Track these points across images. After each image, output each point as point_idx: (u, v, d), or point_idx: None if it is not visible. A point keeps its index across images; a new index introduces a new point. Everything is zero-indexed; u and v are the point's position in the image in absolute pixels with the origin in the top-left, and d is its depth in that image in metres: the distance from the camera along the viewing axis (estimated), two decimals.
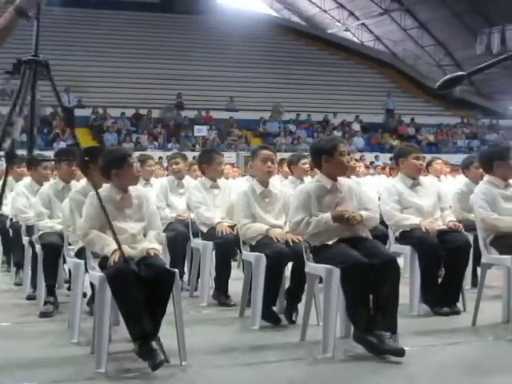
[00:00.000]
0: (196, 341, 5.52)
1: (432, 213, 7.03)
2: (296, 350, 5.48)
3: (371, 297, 5.33)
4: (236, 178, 15.19)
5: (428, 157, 10.62)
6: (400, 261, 6.26)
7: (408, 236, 6.89)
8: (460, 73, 2.56)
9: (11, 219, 9.04)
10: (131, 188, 5.59)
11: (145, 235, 5.57)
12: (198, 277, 7.82)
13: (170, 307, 5.13)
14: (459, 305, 6.79)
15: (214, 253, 7.57)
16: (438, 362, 5.18)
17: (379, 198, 7.73)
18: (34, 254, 7.52)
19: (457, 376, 4.88)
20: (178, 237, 8.08)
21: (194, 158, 13.91)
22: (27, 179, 8.69)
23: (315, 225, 5.58)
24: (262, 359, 5.24)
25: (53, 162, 8.13)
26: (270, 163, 6.84)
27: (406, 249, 6.93)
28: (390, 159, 12.28)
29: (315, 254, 5.66)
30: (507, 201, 6.40)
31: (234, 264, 8.22)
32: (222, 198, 7.85)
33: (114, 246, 5.16)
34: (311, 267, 5.67)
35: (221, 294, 7.40)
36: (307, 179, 8.34)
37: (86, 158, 4.85)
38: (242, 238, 6.74)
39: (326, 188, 5.75)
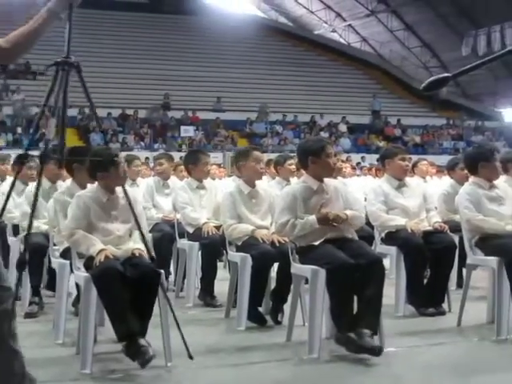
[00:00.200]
0: (181, 342, 5.50)
1: (418, 214, 7.05)
2: (282, 351, 5.49)
3: (355, 297, 5.34)
4: (222, 179, 15.18)
5: (414, 158, 10.64)
6: (386, 262, 6.29)
7: (394, 237, 6.91)
8: (445, 74, 2.56)
9: None
10: (118, 189, 5.58)
11: (130, 235, 5.56)
12: (184, 277, 7.81)
13: (155, 308, 5.12)
14: (444, 305, 6.81)
15: (199, 253, 7.56)
16: (423, 363, 5.19)
17: (365, 199, 7.74)
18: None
19: (442, 376, 4.89)
20: (164, 237, 8.07)
21: (180, 158, 13.90)
22: (10, 179, 8.65)
23: (301, 227, 5.59)
24: (247, 360, 5.24)
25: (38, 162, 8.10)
26: (261, 164, 6.90)
27: (392, 250, 6.94)
28: (377, 160, 12.26)
29: (301, 254, 5.66)
30: (492, 202, 6.41)
31: (220, 264, 8.20)
32: (208, 199, 7.84)
33: (100, 246, 5.16)
34: (297, 268, 5.67)
35: (207, 294, 7.40)
36: (293, 180, 8.35)
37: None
38: (228, 239, 6.74)
39: (312, 189, 5.76)
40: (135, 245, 5.42)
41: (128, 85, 32.10)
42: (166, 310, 5.13)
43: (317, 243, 5.57)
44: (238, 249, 6.61)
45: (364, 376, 4.93)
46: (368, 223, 7.39)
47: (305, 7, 46.06)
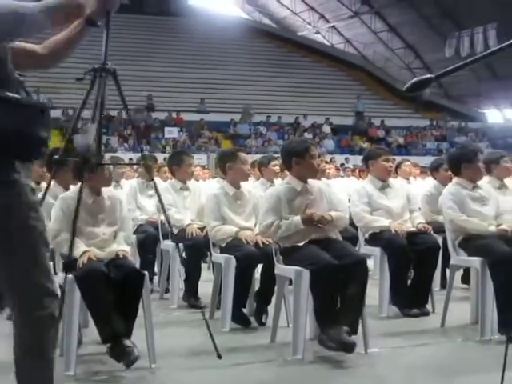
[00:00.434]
0: (166, 343, 5.50)
1: (401, 215, 7.06)
2: (266, 352, 5.49)
3: (339, 297, 5.34)
4: (206, 180, 15.17)
5: (398, 159, 10.67)
6: (370, 262, 6.30)
7: (377, 238, 6.92)
8: (428, 75, 2.56)
9: None
10: (104, 190, 5.56)
11: (115, 237, 5.55)
12: (168, 279, 7.80)
13: (139, 309, 5.11)
14: (428, 306, 6.83)
15: (183, 254, 7.55)
16: (406, 364, 5.20)
17: (349, 200, 7.75)
18: None
19: (425, 377, 4.90)
20: (148, 239, 8.06)
21: (164, 159, 13.87)
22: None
23: (285, 228, 5.59)
24: (232, 361, 5.22)
25: None
26: (248, 165, 6.90)
27: (376, 250, 6.96)
28: (361, 161, 12.26)
29: (285, 255, 5.66)
30: (475, 202, 6.44)
31: (204, 266, 8.20)
32: (192, 200, 7.83)
33: (83, 247, 5.14)
34: (281, 269, 5.67)
35: (191, 295, 7.39)
36: (277, 181, 8.35)
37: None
38: (212, 240, 6.73)
39: (296, 190, 5.76)
40: (119, 246, 5.41)
41: (111, 86, 32.00)
42: (149, 312, 5.12)
43: (301, 244, 5.57)
44: (222, 250, 6.60)
45: (348, 377, 4.94)
46: (352, 224, 7.41)
47: (288, 8, 46.16)
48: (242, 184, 6.93)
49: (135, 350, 4.87)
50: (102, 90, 4.27)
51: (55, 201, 5.62)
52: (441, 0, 35.80)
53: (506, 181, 7.22)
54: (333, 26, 45.30)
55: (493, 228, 6.25)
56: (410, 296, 6.80)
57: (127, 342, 4.90)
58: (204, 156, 27.29)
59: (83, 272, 5.01)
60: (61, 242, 5.33)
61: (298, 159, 5.73)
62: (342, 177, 17.48)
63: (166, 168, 9.15)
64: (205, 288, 7.26)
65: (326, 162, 12.80)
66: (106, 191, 5.61)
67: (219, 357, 4.81)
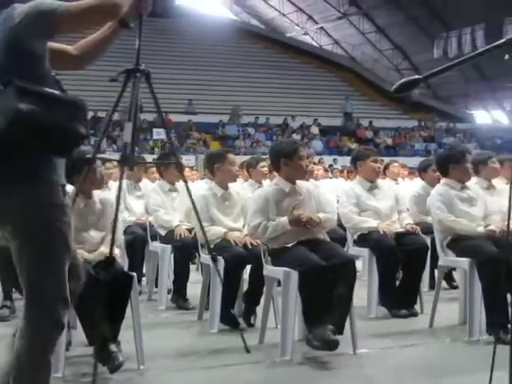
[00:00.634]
0: (154, 344, 5.48)
1: (389, 215, 7.07)
2: (254, 353, 5.47)
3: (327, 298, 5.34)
4: (195, 181, 15.15)
5: (386, 160, 10.70)
6: (358, 263, 6.30)
7: (366, 239, 6.92)
8: (416, 76, 2.57)
9: None
10: (95, 193, 5.53)
11: (103, 240, 5.53)
12: (157, 280, 7.79)
13: (128, 311, 5.10)
14: (417, 307, 6.84)
15: (172, 256, 7.54)
16: (395, 364, 5.20)
17: (338, 201, 7.76)
18: None
19: (414, 378, 4.90)
20: (137, 240, 8.05)
21: (153, 160, 13.85)
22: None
23: (273, 229, 5.60)
24: (220, 362, 5.22)
25: None
26: (236, 167, 6.91)
27: (364, 251, 6.96)
28: (350, 162, 12.26)
29: (273, 256, 5.66)
30: (464, 203, 6.45)
31: (192, 267, 8.19)
32: (181, 201, 7.82)
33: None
34: (269, 270, 5.67)
35: (179, 297, 7.38)
36: (266, 182, 8.35)
37: None
38: (201, 241, 6.72)
39: (284, 191, 5.77)
40: (107, 248, 5.38)
41: (99, 87, 31.93)
42: (138, 313, 5.11)
43: (289, 245, 5.57)
44: (211, 251, 6.59)
45: (336, 378, 4.93)
46: (340, 225, 7.42)
47: (277, 10, 46.16)
48: (231, 185, 6.92)
49: (120, 355, 4.84)
50: (136, 90, 4.37)
51: None
52: (429, 1, 35.90)
53: (494, 181, 7.23)
54: (321, 28, 45.34)
55: (481, 229, 6.26)
56: (399, 297, 6.81)
57: (113, 347, 4.87)
58: (192, 157, 27.24)
59: None
60: None
61: (287, 160, 5.73)
62: (331, 178, 17.50)
63: (154, 169, 9.14)
64: (193, 289, 7.26)
65: (315, 163, 12.80)
66: (97, 194, 5.58)
67: (247, 351, 5.15)
